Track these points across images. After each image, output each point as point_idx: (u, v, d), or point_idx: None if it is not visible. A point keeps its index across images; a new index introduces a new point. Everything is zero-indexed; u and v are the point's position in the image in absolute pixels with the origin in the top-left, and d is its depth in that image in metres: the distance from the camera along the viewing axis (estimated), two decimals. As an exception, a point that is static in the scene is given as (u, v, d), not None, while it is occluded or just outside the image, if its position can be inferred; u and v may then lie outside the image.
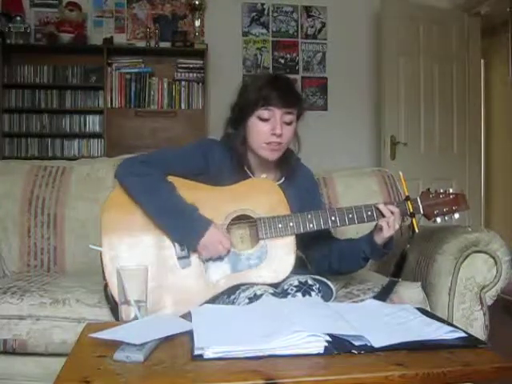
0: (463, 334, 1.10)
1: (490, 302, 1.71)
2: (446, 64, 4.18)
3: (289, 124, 1.55)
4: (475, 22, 4.32)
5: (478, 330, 1.66)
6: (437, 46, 4.13)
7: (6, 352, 1.52)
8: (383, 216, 1.49)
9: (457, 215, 1.56)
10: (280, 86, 1.55)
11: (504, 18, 4.34)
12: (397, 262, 1.56)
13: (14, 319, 1.52)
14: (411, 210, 1.52)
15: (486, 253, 1.68)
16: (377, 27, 4.19)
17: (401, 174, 1.59)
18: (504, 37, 4.43)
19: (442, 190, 1.56)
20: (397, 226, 1.48)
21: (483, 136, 4.90)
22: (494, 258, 1.68)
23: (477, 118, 4.43)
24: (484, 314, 1.68)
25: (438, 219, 1.56)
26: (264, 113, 1.53)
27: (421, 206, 1.54)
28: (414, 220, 1.53)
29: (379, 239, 1.51)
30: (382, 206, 1.50)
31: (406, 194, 1.55)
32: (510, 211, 4.83)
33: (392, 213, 1.48)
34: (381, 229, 1.49)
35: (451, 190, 1.57)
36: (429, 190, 1.57)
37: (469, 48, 4.29)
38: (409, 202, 1.53)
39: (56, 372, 0.93)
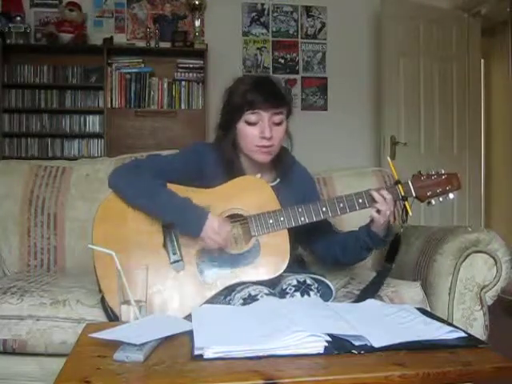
0: (463, 334, 1.10)
1: (490, 302, 1.71)
2: (446, 64, 4.18)
3: (279, 124, 1.54)
4: (475, 22, 4.32)
5: (478, 330, 1.65)
6: (437, 46, 4.13)
7: (5, 352, 1.52)
8: (375, 202, 1.48)
9: (451, 195, 1.55)
10: (264, 88, 1.53)
11: (504, 18, 4.34)
12: (390, 247, 1.55)
13: (14, 319, 1.52)
14: (403, 194, 1.51)
15: (485, 253, 1.68)
16: (377, 27, 4.19)
17: (388, 159, 1.60)
18: (504, 37, 4.43)
19: (433, 172, 1.55)
20: (388, 212, 1.48)
21: (483, 136, 4.90)
22: (493, 257, 1.67)
23: (477, 117, 4.43)
24: (484, 314, 1.68)
25: (433, 201, 1.55)
26: (251, 117, 1.51)
27: (412, 189, 1.52)
28: (406, 203, 1.51)
29: (376, 228, 1.50)
30: (374, 193, 1.49)
31: (396, 178, 1.54)
32: (510, 211, 4.83)
33: (384, 198, 1.47)
34: (373, 220, 1.49)
35: (443, 171, 1.56)
36: (420, 172, 1.56)
37: (469, 48, 4.29)
38: (399, 186, 1.52)
39: (56, 372, 0.93)
